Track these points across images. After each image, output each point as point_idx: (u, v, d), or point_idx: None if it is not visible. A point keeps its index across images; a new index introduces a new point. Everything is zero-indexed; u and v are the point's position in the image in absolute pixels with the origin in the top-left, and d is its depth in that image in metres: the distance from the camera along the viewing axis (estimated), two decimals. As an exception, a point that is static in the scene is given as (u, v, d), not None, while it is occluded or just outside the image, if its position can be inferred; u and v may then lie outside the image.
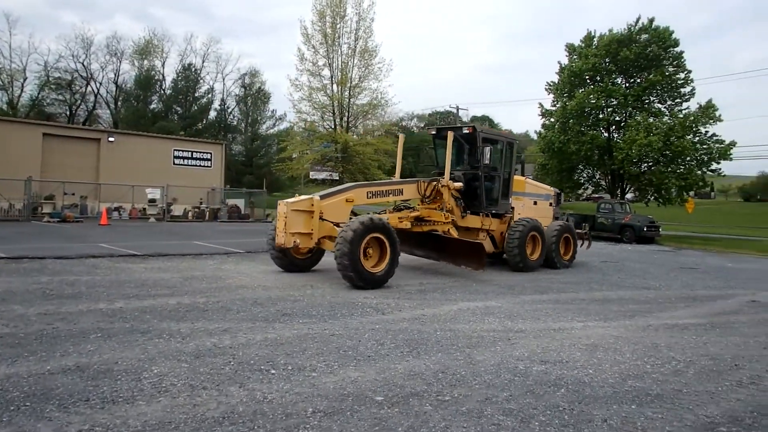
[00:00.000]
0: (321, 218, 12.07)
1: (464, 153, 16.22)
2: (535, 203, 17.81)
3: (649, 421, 4.88)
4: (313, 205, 12.06)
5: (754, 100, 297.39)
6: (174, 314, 8.01)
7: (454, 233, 14.58)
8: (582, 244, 19.06)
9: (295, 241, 11.89)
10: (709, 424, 4.91)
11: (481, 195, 15.48)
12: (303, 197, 12.46)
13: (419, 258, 15.35)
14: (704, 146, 37.57)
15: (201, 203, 35.49)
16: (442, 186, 14.58)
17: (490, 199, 15.82)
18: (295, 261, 13.05)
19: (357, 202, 13.03)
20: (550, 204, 18.62)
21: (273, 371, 5.66)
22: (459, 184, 14.98)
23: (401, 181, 14.95)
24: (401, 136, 17.55)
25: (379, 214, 13.56)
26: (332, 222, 12.14)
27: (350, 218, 12.29)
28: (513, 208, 16.71)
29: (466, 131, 15.54)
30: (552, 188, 19.88)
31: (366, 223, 11.42)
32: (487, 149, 15.57)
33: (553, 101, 43.19)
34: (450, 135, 14.97)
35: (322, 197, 12.36)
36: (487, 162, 15.50)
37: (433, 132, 16.83)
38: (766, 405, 5.47)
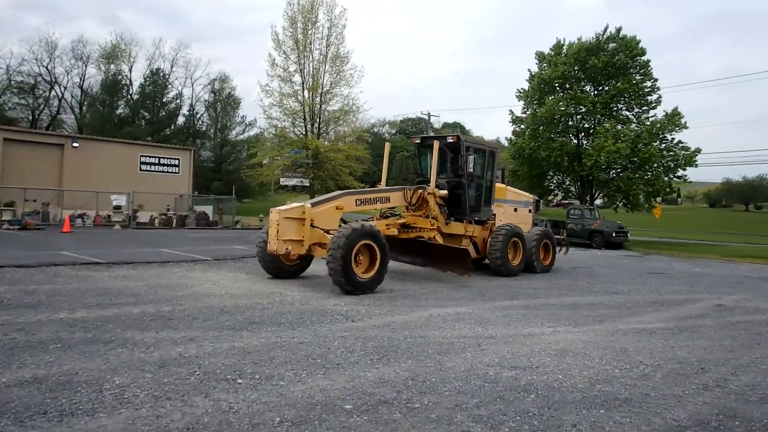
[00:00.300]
0: (312, 225, 12.28)
1: (447, 161, 16.46)
2: (516, 210, 18.34)
3: (617, 425, 4.89)
4: (304, 212, 12.25)
5: (717, 108, 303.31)
6: (138, 323, 7.84)
7: (440, 240, 15.11)
8: (560, 250, 19.58)
9: (287, 248, 12.06)
10: (676, 428, 4.93)
11: (465, 202, 15.88)
12: (295, 205, 12.60)
13: (399, 264, 15.52)
14: (671, 153, 38.19)
15: (168, 210, 35.01)
16: (428, 194, 14.93)
17: (473, 206, 16.26)
18: (285, 267, 13.28)
19: (346, 210, 13.27)
20: (529, 211, 19.17)
21: (240, 380, 5.56)
22: (444, 192, 15.35)
23: (388, 189, 15.24)
24: (387, 144, 17.82)
25: (366, 221, 13.74)
26: (322, 229, 12.35)
27: (339, 225, 12.57)
28: (494, 214, 17.16)
29: (450, 140, 15.93)
30: (531, 195, 20.31)
31: (357, 230, 11.69)
32: (471, 158, 15.91)
33: (524, 108, 43.61)
34: (436, 144, 15.33)
35: (313, 205, 12.61)
36: (471, 170, 15.91)
37: (417, 141, 17.29)
38: (732, 408, 5.51)
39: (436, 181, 15.36)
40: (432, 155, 15.47)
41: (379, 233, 12.41)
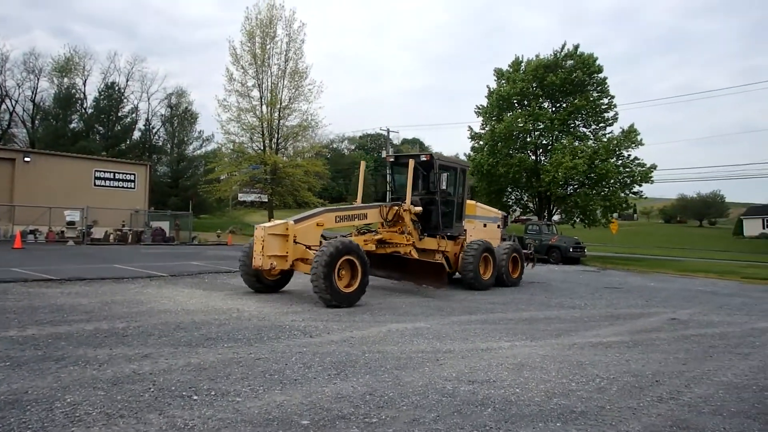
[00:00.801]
0: (294, 241, 12.71)
1: (419, 179, 16.83)
2: (485, 225, 18.99)
3: (574, 438, 4.92)
4: (287, 229, 12.69)
5: (672, 125, 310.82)
6: (91, 340, 7.67)
7: (416, 254, 15.56)
8: (528, 264, 20.23)
9: (272, 264, 12.44)
10: (631, 440, 4.98)
11: (437, 218, 16.44)
12: (278, 222, 13.02)
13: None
14: (627, 169, 38.91)
15: (123, 226, 34.47)
16: (404, 210, 15.52)
17: (446, 222, 16.80)
18: (267, 282, 13.60)
19: (327, 226, 13.73)
20: (498, 226, 19.91)
21: (195, 397, 5.46)
22: (419, 209, 15.91)
23: (365, 206, 15.73)
24: (362, 163, 18.43)
25: (345, 236, 14.36)
26: (304, 245, 12.83)
27: (320, 241, 13.11)
28: (465, 230, 17.75)
29: (423, 159, 16.51)
30: (499, 211, 21.12)
31: (339, 246, 12.11)
32: (444, 175, 16.93)
33: (482, 124, 44.04)
34: (411, 162, 15.82)
35: (296, 221, 13.01)
36: (444, 188, 16.85)
37: (392, 159, 18.01)
38: (685, 419, 5.60)
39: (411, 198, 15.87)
40: (406, 173, 16.02)
41: (360, 249, 12.89)
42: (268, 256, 12.35)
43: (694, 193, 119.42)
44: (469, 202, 18.42)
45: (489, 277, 17.11)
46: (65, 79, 61.67)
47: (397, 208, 15.50)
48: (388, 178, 18.32)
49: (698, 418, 5.67)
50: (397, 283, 16.31)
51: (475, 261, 16.46)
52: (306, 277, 12.83)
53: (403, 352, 7.91)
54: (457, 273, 17.14)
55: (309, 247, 12.81)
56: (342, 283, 12.23)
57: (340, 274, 12.22)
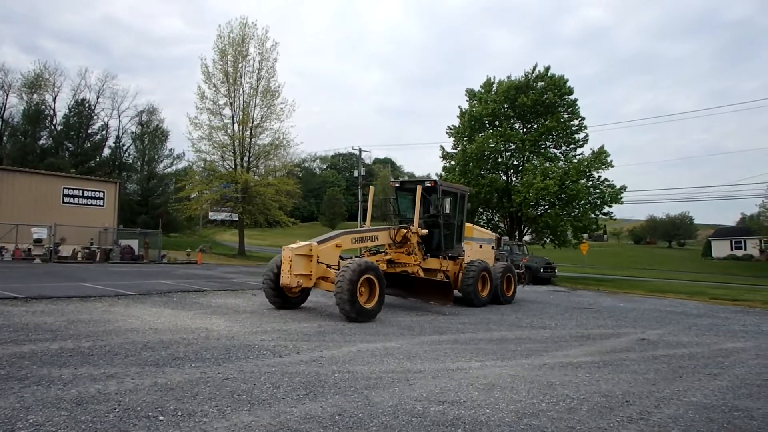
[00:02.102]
0: (318, 261, 13.83)
1: (421, 203, 17.61)
2: (481, 246, 20.28)
3: (542, 457, 4.92)
4: (311, 249, 13.83)
5: (642, 147, 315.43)
6: (56, 359, 7.52)
7: (422, 274, 16.97)
8: (521, 284, 21.81)
9: (298, 281, 13.63)
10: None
11: (440, 240, 17.79)
12: (303, 243, 14.06)
13: (327, 298, 16.10)
14: (597, 190, 39.29)
15: (92, 244, 34.00)
16: (412, 233, 16.70)
17: (447, 243, 18.09)
18: (289, 299, 14.61)
19: (344, 247, 14.88)
20: (492, 247, 21.21)
21: (161, 417, 5.38)
22: (425, 231, 17.12)
23: (376, 229, 16.91)
24: (371, 189, 20.01)
25: (358, 257, 15.65)
26: (326, 264, 13.99)
27: (338, 262, 14.32)
28: (464, 251, 18.97)
29: (428, 185, 17.75)
30: (494, 233, 22.53)
31: (362, 266, 13.29)
32: (447, 200, 18.35)
33: (454, 144, 44.25)
34: (419, 188, 17.11)
35: (319, 243, 14.16)
36: (447, 211, 18.21)
37: (397, 185, 19.33)
38: (653, 439, 5.63)
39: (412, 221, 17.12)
40: (409, 197, 18.12)
41: (378, 268, 14.03)
42: (295, 275, 13.48)
43: (664, 215, 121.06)
44: (467, 224, 19.62)
45: (486, 294, 18.50)
46: (35, 96, 60.73)
47: (405, 230, 16.73)
48: (392, 202, 19.52)
49: (666, 438, 5.71)
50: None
51: (474, 279, 17.78)
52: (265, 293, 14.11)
53: (372, 372, 7.87)
54: (455, 291, 17.85)
55: (329, 266, 13.97)
56: (362, 299, 13.22)
57: (360, 291, 13.19)
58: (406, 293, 16.99)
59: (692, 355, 10.95)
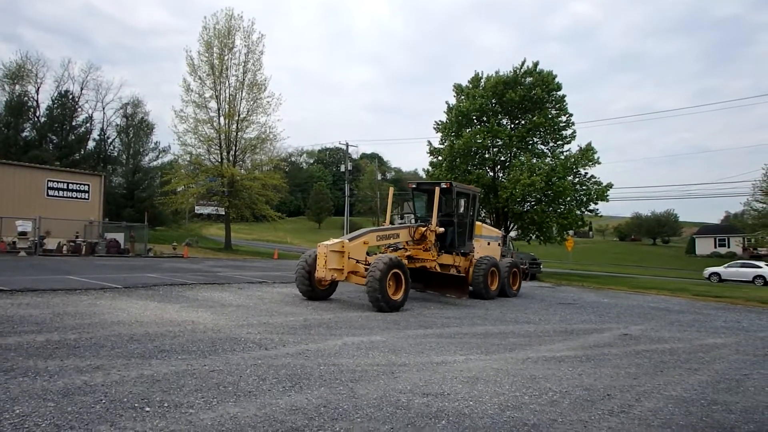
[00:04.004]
0: (349, 257, 14.91)
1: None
2: (489, 244, 21.50)
3: (524, 448, 5.00)
4: (343, 246, 14.92)
5: (628, 145, 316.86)
6: (42, 351, 7.52)
7: (439, 269, 18.15)
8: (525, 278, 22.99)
9: (333, 275, 14.84)
10: (579, 450, 5.07)
11: (454, 238, 18.93)
12: (336, 240, 15.30)
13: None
14: (583, 187, 39.53)
15: (77, 237, 33.83)
16: (430, 231, 17.67)
17: (460, 241, 19.20)
18: (319, 291, 15.81)
19: (370, 244, 16.08)
20: (499, 244, 22.68)
21: (147, 408, 5.41)
22: (441, 229, 18.06)
23: (398, 227, 18.06)
24: (391, 189, 21.20)
25: (382, 253, 16.75)
26: (355, 259, 15.09)
27: (365, 257, 15.50)
28: (474, 248, 20.05)
29: (443, 186, 18.61)
30: (500, 231, 24.12)
31: (391, 261, 14.60)
32: (462, 200, 19.59)
33: (441, 140, 44.16)
34: (437, 190, 18.04)
35: (350, 240, 15.33)
36: (461, 211, 19.48)
37: (414, 186, 20.40)
38: None
39: (429, 220, 18.14)
40: (424, 198, 19.88)
41: (405, 265, 15.29)
42: (329, 269, 14.69)
43: (649, 212, 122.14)
44: (477, 223, 20.75)
45: (495, 288, 19.86)
46: (17, 87, 59.92)
47: (423, 228, 17.70)
48: (409, 202, 20.90)
49: (648, 431, 5.80)
50: (361, 295, 16.69)
51: (484, 274, 19.09)
52: (254, 290, 14.55)
53: (358, 365, 7.93)
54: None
55: (358, 261, 15.10)
56: (390, 291, 14.39)
57: (389, 284, 14.37)
58: (424, 287, 18.44)
59: (673, 351, 11.10)
